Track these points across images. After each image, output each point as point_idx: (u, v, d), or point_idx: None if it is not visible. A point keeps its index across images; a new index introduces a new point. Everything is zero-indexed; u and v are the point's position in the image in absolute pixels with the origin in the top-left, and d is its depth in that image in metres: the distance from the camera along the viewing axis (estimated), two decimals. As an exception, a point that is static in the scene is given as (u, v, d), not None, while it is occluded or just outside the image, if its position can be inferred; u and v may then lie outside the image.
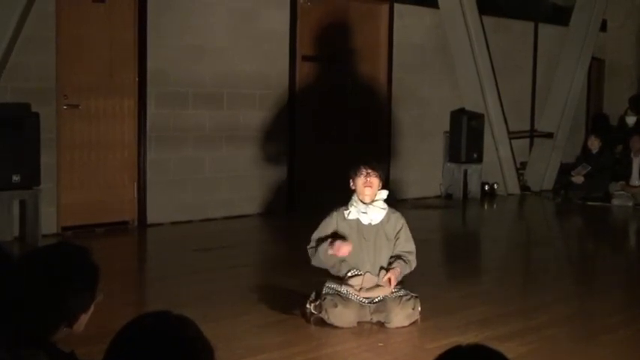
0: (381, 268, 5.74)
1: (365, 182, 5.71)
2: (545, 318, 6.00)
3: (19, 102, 8.27)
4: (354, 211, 5.75)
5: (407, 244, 5.80)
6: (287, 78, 10.62)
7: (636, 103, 14.33)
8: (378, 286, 5.68)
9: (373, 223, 5.75)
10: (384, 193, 5.79)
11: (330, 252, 5.62)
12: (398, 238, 5.78)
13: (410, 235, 5.84)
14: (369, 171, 5.72)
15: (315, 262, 5.78)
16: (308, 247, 5.79)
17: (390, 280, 5.64)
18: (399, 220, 5.82)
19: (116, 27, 9.13)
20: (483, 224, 11.45)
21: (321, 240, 5.72)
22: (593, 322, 6.04)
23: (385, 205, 5.80)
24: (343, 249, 5.58)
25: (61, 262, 2.48)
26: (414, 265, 5.81)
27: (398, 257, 5.76)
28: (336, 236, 5.68)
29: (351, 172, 5.77)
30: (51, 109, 8.59)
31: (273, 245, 9.53)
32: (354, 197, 5.77)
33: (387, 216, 5.79)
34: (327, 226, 5.76)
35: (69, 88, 8.81)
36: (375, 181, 5.72)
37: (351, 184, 5.77)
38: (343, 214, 5.77)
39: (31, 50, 8.42)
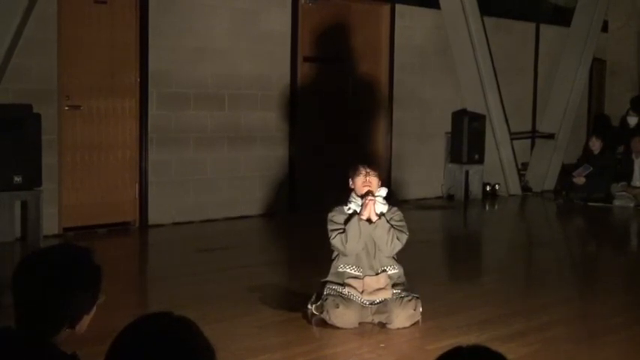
0: (382, 270, 5.73)
1: (364, 181, 5.72)
2: (547, 319, 6.00)
3: (20, 103, 8.28)
4: (353, 207, 5.75)
5: (398, 224, 5.76)
6: (288, 79, 10.63)
7: (638, 104, 14.32)
8: (379, 289, 5.68)
9: (373, 218, 5.73)
10: (384, 191, 5.79)
11: (364, 215, 5.63)
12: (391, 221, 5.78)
13: (404, 223, 5.80)
14: (368, 170, 5.75)
15: (347, 242, 5.67)
16: (332, 240, 5.69)
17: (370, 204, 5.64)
18: (395, 213, 5.83)
19: (117, 28, 9.14)
20: (485, 225, 11.45)
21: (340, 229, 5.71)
22: (594, 323, 6.04)
23: (385, 202, 5.78)
24: (369, 206, 5.62)
25: (63, 263, 2.48)
26: (402, 239, 5.71)
27: None
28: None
29: (350, 171, 5.80)
30: (52, 110, 8.60)
31: (274, 246, 9.53)
32: (353, 194, 5.77)
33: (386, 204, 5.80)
34: (338, 218, 5.75)
35: (70, 89, 8.82)
36: (374, 180, 5.73)
37: (350, 183, 5.79)
38: (343, 209, 5.78)
39: (33, 51, 8.43)
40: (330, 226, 5.75)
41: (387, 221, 5.72)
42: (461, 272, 8.03)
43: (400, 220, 5.79)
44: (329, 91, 11.16)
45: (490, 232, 10.80)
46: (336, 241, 5.69)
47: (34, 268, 2.46)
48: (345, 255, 5.71)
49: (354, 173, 5.76)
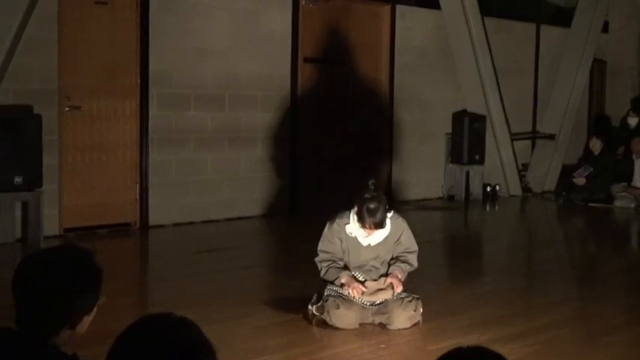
0: (382, 275, 5.73)
1: (367, 230, 5.60)
2: (548, 319, 6.00)
3: (21, 104, 8.29)
4: (354, 231, 5.66)
5: (408, 245, 5.76)
6: (289, 80, 10.62)
7: (638, 105, 14.32)
8: (380, 290, 5.67)
9: (373, 244, 5.68)
10: (386, 230, 5.64)
11: (345, 290, 5.61)
12: (399, 243, 5.74)
13: (411, 235, 5.78)
14: (372, 226, 5.56)
15: (323, 276, 5.74)
16: (317, 259, 5.72)
17: (392, 284, 5.62)
18: (400, 225, 5.74)
19: (118, 29, 9.14)
20: (485, 226, 11.45)
21: (331, 260, 5.69)
22: (595, 324, 6.03)
23: (387, 224, 5.63)
24: (356, 290, 5.60)
25: (64, 264, 2.48)
26: (414, 263, 5.76)
27: (397, 260, 5.74)
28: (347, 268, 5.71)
29: (359, 206, 5.53)
30: (53, 111, 8.60)
31: (274, 247, 9.54)
32: (355, 217, 5.60)
33: (389, 227, 5.72)
34: (332, 236, 5.69)
35: (71, 90, 8.82)
36: (375, 230, 5.64)
37: (355, 205, 5.60)
38: (344, 227, 5.67)
39: (33, 52, 8.43)
40: (320, 244, 5.72)
41: (394, 257, 5.71)
42: (461, 273, 8.03)
43: (407, 235, 5.75)
44: (329, 91, 11.15)
45: (491, 232, 10.79)
46: (318, 264, 5.73)
47: (34, 269, 2.46)
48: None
49: (360, 214, 5.52)
